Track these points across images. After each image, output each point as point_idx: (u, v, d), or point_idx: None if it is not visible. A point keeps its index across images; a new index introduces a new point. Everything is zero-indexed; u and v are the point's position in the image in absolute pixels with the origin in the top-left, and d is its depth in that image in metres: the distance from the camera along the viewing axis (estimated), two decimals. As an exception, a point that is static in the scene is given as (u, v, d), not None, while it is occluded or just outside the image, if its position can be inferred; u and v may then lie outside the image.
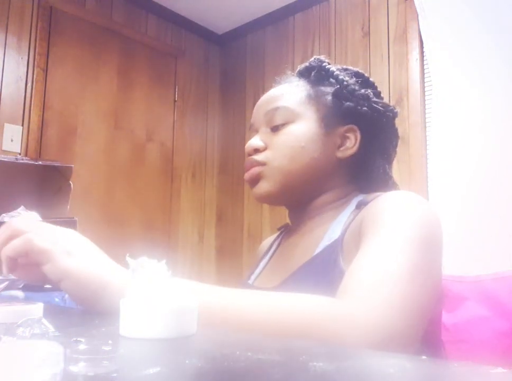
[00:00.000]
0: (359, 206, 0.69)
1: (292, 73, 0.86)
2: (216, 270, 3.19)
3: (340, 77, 0.77)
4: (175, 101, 3.08)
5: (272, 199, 0.77)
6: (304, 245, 0.73)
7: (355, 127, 0.76)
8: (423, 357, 0.37)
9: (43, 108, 2.43)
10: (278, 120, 0.76)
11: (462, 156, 2.04)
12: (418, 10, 2.27)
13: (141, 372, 0.31)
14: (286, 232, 0.87)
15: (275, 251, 0.85)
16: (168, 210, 2.97)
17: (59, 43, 2.53)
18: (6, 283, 1.24)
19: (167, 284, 0.47)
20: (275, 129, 0.76)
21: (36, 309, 0.45)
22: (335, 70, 0.79)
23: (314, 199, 0.77)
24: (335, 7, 2.76)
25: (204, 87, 3.30)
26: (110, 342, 0.40)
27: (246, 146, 0.78)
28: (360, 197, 0.73)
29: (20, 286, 1.28)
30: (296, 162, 0.73)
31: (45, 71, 2.46)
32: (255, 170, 0.75)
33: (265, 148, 0.76)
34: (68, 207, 1.16)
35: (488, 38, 2.03)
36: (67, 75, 2.55)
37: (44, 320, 0.41)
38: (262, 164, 0.74)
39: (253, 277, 0.83)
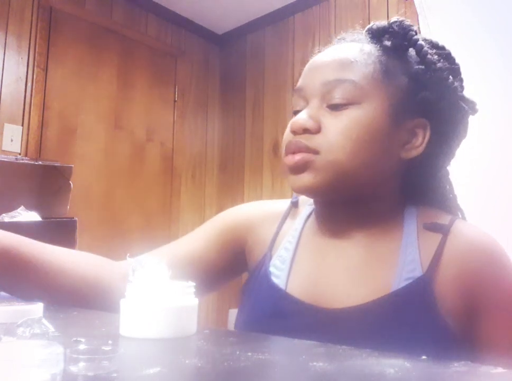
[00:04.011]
0: (435, 230, 0.61)
1: (361, 31, 0.70)
2: (216, 270, 3.19)
3: (429, 57, 0.63)
4: (175, 101, 3.08)
5: (313, 193, 0.64)
6: (369, 264, 0.62)
7: (426, 122, 0.64)
8: (423, 357, 0.37)
9: (43, 108, 2.42)
10: (340, 98, 0.61)
11: (462, 156, 2.04)
12: (418, 10, 2.27)
13: (141, 372, 0.31)
14: (311, 222, 0.71)
15: (298, 240, 0.69)
16: (168, 210, 2.96)
17: (59, 43, 2.53)
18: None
19: (167, 284, 0.47)
20: (333, 108, 0.61)
21: (36, 309, 0.45)
22: (423, 44, 0.64)
23: (362, 206, 0.65)
24: (335, 7, 2.76)
25: (204, 87, 3.29)
26: (110, 342, 0.40)
27: (292, 122, 0.63)
28: (412, 210, 0.65)
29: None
30: (355, 158, 0.60)
31: (45, 71, 2.46)
32: (303, 157, 0.60)
33: (318, 131, 0.61)
34: (68, 207, 1.16)
35: (488, 38, 2.03)
36: (67, 75, 2.55)
37: (44, 320, 0.41)
38: (314, 152, 0.60)
39: (281, 277, 0.66)
